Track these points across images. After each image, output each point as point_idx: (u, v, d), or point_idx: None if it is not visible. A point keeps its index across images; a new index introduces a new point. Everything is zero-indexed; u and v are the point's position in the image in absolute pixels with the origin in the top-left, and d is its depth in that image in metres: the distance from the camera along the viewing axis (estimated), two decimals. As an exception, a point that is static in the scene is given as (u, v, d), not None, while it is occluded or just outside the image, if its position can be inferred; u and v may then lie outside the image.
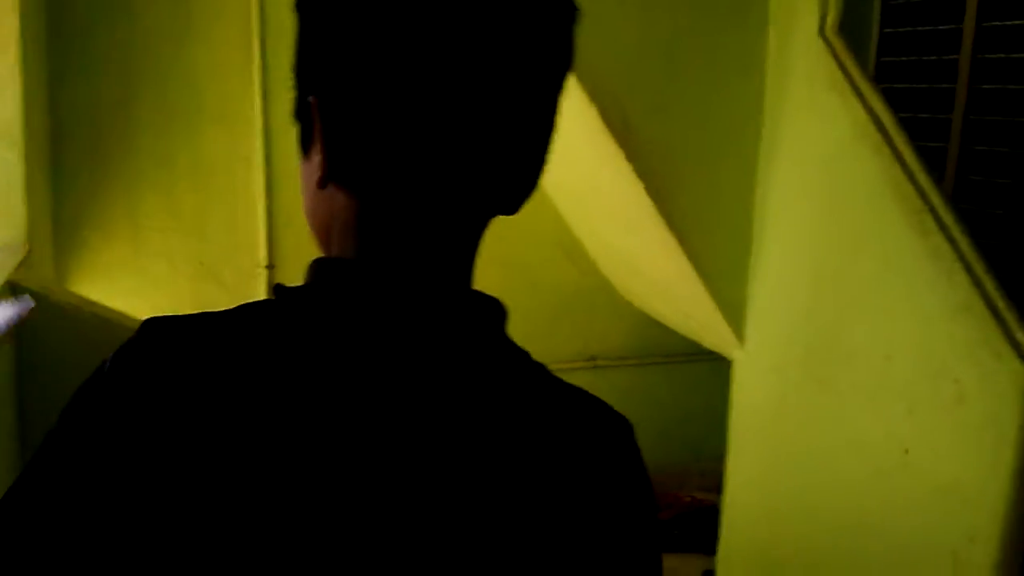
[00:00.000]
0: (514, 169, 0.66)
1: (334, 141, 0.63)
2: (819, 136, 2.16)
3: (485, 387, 0.64)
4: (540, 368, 0.68)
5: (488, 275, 3.03)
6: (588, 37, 2.30)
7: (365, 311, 0.62)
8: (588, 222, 3.06)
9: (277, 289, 0.64)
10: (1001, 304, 1.77)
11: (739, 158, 2.32)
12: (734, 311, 2.44)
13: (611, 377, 3.35)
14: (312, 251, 0.68)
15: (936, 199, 1.90)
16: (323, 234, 0.68)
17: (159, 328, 0.63)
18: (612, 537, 0.65)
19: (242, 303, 0.65)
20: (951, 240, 1.85)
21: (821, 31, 2.12)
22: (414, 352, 0.62)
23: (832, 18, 2.12)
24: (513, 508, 0.61)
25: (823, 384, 2.16)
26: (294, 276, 0.67)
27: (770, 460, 2.43)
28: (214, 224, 3.10)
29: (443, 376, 0.62)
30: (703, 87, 2.24)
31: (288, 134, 0.74)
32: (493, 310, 0.67)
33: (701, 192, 2.28)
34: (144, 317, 0.65)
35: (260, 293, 3.01)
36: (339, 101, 0.63)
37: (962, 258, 1.83)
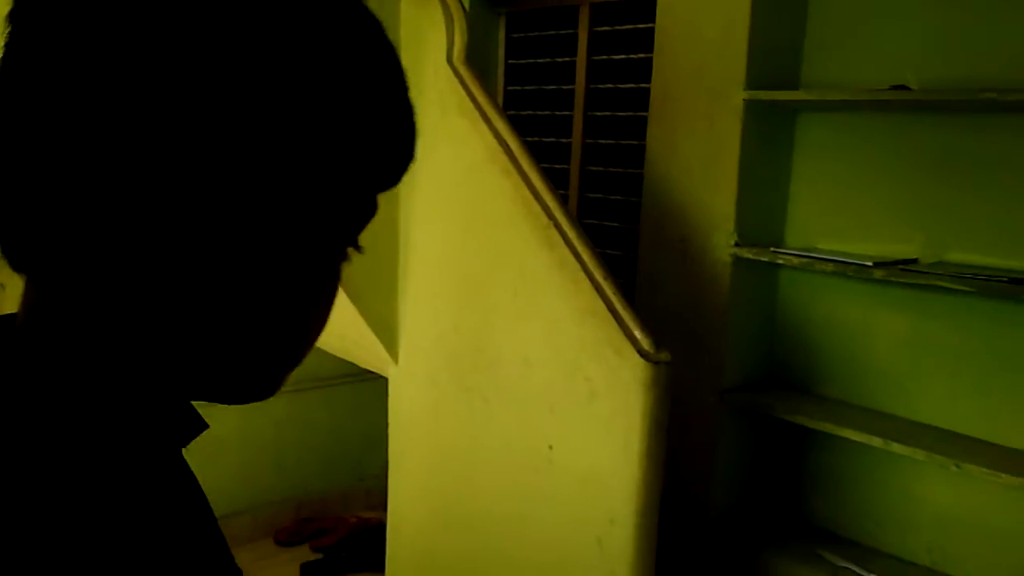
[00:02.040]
0: None
1: None
2: (454, 159, 2.26)
3: None
4: None
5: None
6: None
7: None
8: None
9: None
10: (620, 307, 1.96)
11: (381, 180, 2.37)
12: (386, 330, 2.48)
13: (267, 407, 3.26)
14: None
15: (560, 215, 2.06)
16: None
17: None
18: None
19: None
20: (575, 252, 2.02)
21: (449, 59, 2.23)
22: None
23: (458, 48, 2.23)
24: None
25: (472, 391, 2.27)
26: None
27: (429, 470, 2.50)
28: None
29: None
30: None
31: None
32: None
33: (346, 214, 2.30)
34: None
35: None
36: None
37: (585, 267, 2.00)
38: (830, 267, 2.34)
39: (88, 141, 0.46)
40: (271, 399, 0.59)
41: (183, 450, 0.61)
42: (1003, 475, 2.05)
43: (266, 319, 0.54)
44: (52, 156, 0.47)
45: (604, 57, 3.16)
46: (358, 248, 0.60)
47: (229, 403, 0.58)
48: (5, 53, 0.49)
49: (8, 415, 0.49)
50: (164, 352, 0.52)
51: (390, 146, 0.57)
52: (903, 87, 2.26)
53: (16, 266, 0.52)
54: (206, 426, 0.60)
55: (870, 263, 2.25)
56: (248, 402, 0.59)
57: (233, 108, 0.47)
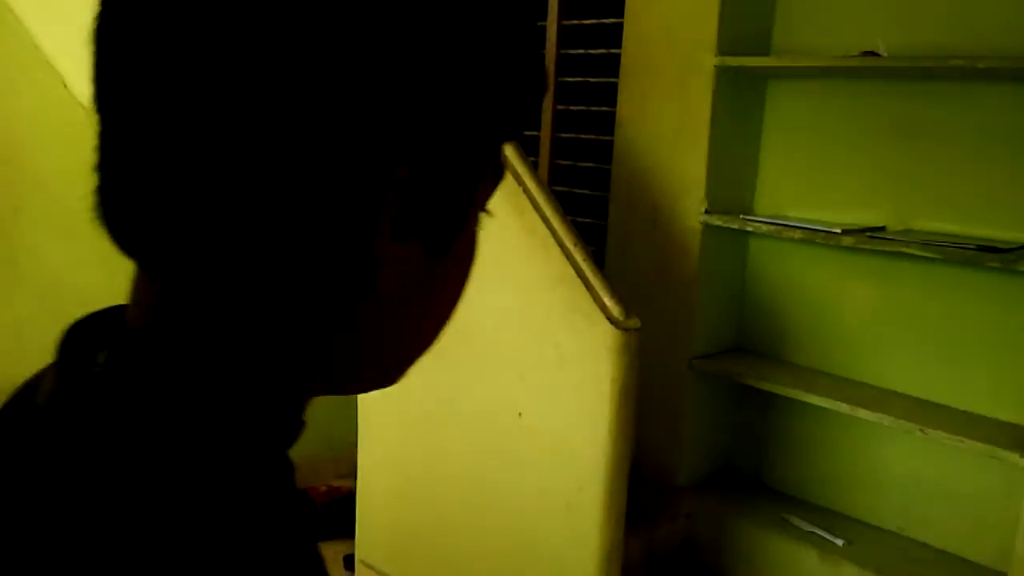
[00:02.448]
0: None
1: None
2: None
3: None
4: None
5: (87, 275, 2.74)
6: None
7: None
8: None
9: None
10: (589, 273, 1.96)
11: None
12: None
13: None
14: None
15: (530, 181, 2.04)
16: None
17: None
18: None
19: None
20: (544, 218, 2.01)
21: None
22: None
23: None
24: None
25: (443, 359, 2.25)
26: None
27: (399, 437, 2.49)
28: None
29: None
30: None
31: None
32: None
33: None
34: None
35: None
36: None
37: (554, 234, 1.99)
38: (799, 234, 2.35)
39: (226, 125, 0.41)
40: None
41: None
42: (968, 440, 2.07)
43: (408, 306, 0.49)
44: (191, 142, 0.41)
45: (575, 22, 3.13)
46: (488, 213, 0.53)
47: (346, 395, 0.54)
48: (135, 33, 0.42)
49: (140, 416, 0.45)
50: (299, 351, 0.48)
51: (525, 92, 0.51)
52: (873, 54, 2.25)
53: (140, 260, 0.47)
54: (304, 423, 0.53)
55: (838, 230, 2.25)
56: (366, 391, 0.55)
57: (367, 87, 0.42)
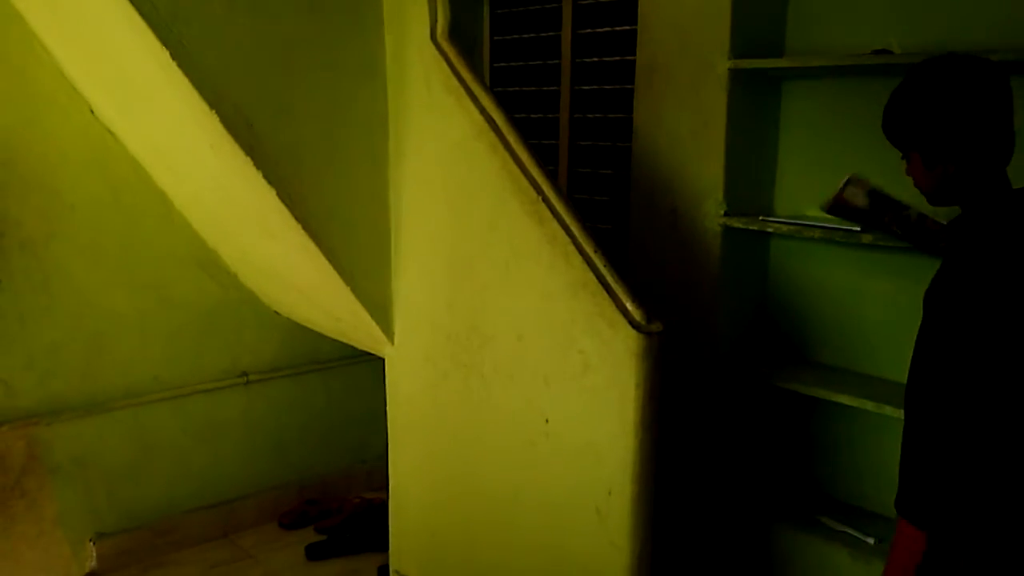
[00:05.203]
0: None
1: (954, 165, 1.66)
2: (441, 135, 2.26)
3: None
4: None
5: (115, 296, 2.84)
6: (203, 44, 2.21)
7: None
8: (224, 233, 2.97)
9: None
10: (611, 279, 1.97)
11: (369, 159, 2.37)
12: (381, 309, 2.49)
13: (266, 391, 3.27)
14: None
15: (549, 190, 2.06)
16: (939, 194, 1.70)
17: None
18: None
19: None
20: (564, 226, 2.03)
21: (432, 37, 2.22)
22: None
23: (442, 25, 2.22)
24: None
25: (468, 368, 2.28)
26: None
27: (429, 448, 2.52)
28: None
29: None
30: (326, 90, 2.25)
31: None
32: None
33: (335, 194, 2.30)
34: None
35: None
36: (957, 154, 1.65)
37: (575, 241, 2.01)
38: (818, 233, 2.35)
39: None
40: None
41: None
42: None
43: None
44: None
45: (589, 31, 3.16)
46: None
47: None
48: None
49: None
50: None
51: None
52: (886, 52, 2.26)
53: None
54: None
55: (858, 228, 2.25)
56: None
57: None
